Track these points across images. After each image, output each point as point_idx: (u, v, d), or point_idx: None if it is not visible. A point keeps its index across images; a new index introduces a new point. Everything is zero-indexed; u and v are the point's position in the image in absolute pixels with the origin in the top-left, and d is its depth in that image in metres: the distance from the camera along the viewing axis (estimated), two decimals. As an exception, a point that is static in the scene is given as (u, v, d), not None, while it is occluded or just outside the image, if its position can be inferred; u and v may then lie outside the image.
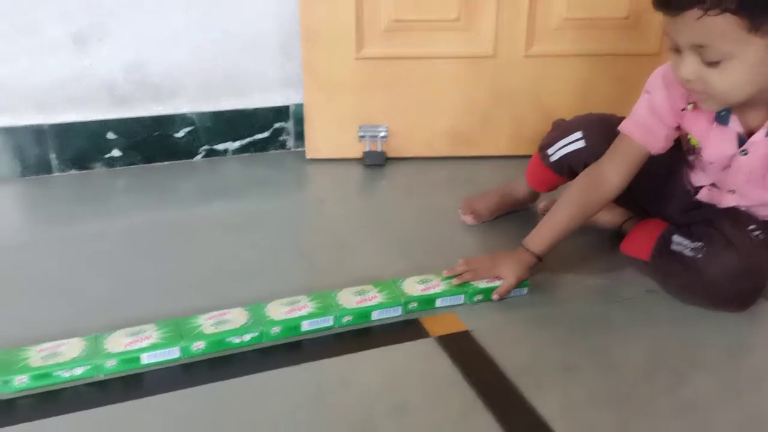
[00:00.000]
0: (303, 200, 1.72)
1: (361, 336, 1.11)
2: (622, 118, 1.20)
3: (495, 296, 1.19)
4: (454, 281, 1.19)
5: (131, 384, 0.98)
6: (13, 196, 1.61)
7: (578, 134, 1.30)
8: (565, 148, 1.32)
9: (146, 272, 1.29)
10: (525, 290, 1.22)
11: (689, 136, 1.18)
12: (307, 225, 1.56)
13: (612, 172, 1.19)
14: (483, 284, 1.19)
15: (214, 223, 1.50)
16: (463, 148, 1.91)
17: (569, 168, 1.33)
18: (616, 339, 1.11)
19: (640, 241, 1.29)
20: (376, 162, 1.85)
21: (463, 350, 1.06)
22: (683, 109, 1.13)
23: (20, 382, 0.94)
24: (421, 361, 1.05)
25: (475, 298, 1.19)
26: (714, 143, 1.14)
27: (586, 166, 1.24)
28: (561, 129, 1.35)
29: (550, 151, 1.36)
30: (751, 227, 1.15)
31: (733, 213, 1.18)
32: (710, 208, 1.21)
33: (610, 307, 1.20)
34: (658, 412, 0.94)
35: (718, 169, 1.17)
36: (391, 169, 1.84)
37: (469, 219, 1.50)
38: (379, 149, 1.85)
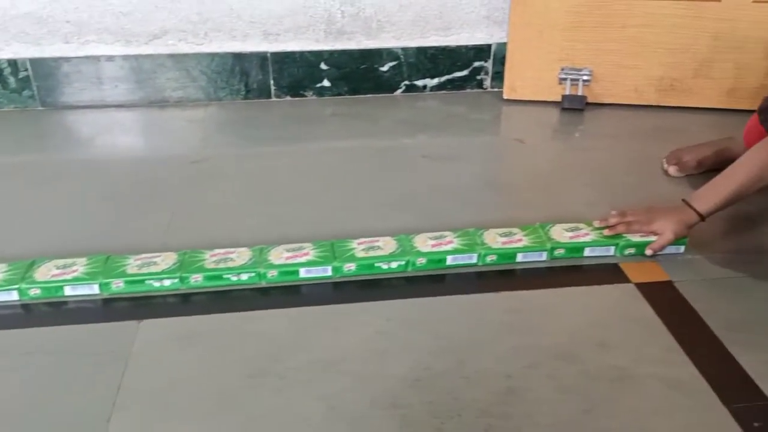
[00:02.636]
0: (501, 139, 1.76)
1: (557, 274, 1.13)
2: None
3: (648, 251, 1.14)
4: (606, 232, 1.17)
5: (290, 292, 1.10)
6: (237, 117, 1.81)
7: None
8: None
9: (350, 191, 1.42)
10: (682, 248, 1.17)
11: None
12: (505, 162, 1.61)
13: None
14: (636, 238, 1.16)
15: (413, 153, 1.58)
16: (674, 98, 1.78)
17: None
18: None
19: None
20: (575, 106, 1.80)
21: (665, 299, 1.06)
22: None
23: (196, 280, 1.10)
24: (621, 305, 1.06)
25: (627, 251, 1.16)
26: None
27: None
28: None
29: None
30: None
31: None
32: None
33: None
34: None
35: None
36: (591, 114, 1.78)
37: (672, 170, 1.43)
38: (579, 93, 1.79)
